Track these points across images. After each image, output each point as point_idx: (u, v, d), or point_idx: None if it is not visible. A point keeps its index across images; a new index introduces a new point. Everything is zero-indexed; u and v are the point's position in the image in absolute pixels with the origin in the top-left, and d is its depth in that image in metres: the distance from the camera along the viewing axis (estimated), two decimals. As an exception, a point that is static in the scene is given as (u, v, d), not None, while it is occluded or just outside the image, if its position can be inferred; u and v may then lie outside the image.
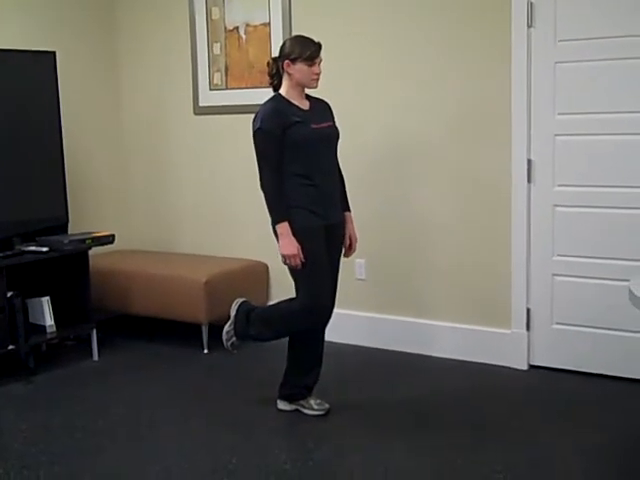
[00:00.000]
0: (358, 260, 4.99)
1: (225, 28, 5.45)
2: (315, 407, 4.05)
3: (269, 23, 5.25)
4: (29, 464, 3.58)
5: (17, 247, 4.75)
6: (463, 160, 4.70)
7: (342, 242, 4.07)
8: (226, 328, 4.09)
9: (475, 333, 4.78)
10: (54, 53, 4.96)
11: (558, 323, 4.57)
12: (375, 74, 4.93)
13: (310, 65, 3.82)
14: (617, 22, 4.18)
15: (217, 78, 5.55)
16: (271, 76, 3.94)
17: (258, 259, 5.41)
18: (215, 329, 5.24)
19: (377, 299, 5.04)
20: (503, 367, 4.67)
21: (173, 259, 5.63)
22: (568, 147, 4.40)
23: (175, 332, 5.46)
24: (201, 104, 5.64)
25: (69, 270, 5.01)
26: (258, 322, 4.02)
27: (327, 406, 4.05)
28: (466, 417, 4.01)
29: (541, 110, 4.44)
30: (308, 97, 3.96)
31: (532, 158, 4.50)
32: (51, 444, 3.79)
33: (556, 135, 4.42)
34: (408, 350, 4.96)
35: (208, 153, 5.67)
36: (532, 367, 4.66)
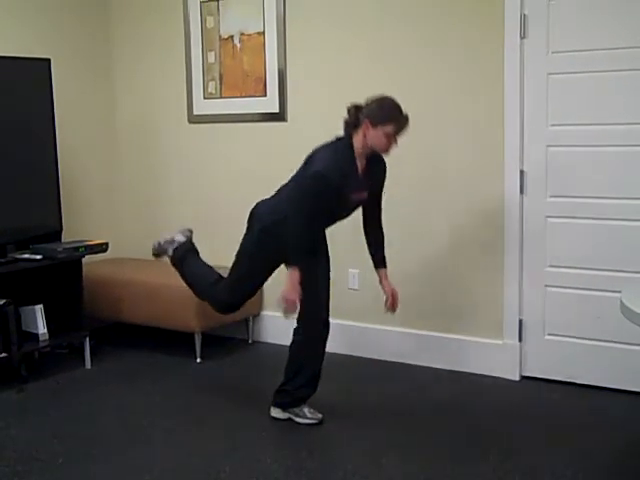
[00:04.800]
0: (351, 270, 5.00)
1: (220, 37, 5.46)
2: (308, 416, 4.05)
3: (264, 32, 5.26)
4: (20, 471, 3.56)
5: (10, 255, 4.74)
6: (456, 171, 4.71)
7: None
8: (169, 242, 4.35)
9: (467, 343, 4.79)
10: (49, 60, 4.97)
11: (550, 334, 4.58)
12: (368, 83, 4.93)
13: (388, 137, 3.72)
14: (610, 34, 4.21)
15: (211, 87, 5.56)
16: (348, 124, 3.79)
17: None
18: (208, 338, 5.25)
19: (370, 309, 5.04)
20: (495, 378, 4.68)
21: (166, 268, 5.59)
22: (561, 158, 4.41)
23: (168, 341, 5.45)
24: (195, 112, 5.65)
25: (62, 278, 5.00)
26: (189, 270, 4.33)
27: (320, 415, 4.05)
28: (458, 428, 4.01)
29: (534, 121, 4.46)
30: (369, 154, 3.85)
31: (525, 169, 4.51)
32: (42, 452, 3.78)
33: (549, 146, 4.44)
34: (401, 360, 4.96)
35: (202, 162, 5.67)
36: (524, 378, 4.66)
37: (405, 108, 4.81)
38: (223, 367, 5.04)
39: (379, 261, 4.13)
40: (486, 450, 3.72)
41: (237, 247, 5.23)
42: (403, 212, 4.87)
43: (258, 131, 5.39)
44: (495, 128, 4.54)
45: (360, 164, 3.81)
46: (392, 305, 4.11)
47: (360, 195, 3.86)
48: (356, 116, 3.76)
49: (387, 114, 3.70)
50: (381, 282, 4.12)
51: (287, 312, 3.82)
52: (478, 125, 4.61)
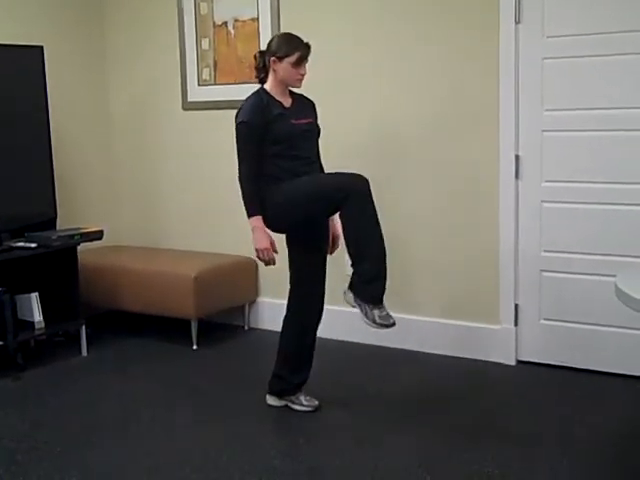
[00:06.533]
0: (347, 256, 4.99)
1: (214, 23, 5.44)
2: (305, 403, 4.06)
3: (257, 18, 5.25)
4: (17, 460, 3.57)
5: (5, 243, 4.74)
6: (451, 156, 4.70)
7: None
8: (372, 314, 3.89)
9: (463, 329, 4.80)
10: (41, 48, 4.94)
11: (546, 319, 4.59)
12: (362, 70, 4.93)
13: (295, 66, 3.82)
14: (605, 18, 4.20)
15: (206, 73, 5.54)
16: (258, 70, 3.95)
17: (247, 255, 5.40)
18: (204, 325, 5.25)
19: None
20: (491, 362, 4.69)
21: (162, 255, 5.62)
22: (556, 143, 4.41)
23: (164, 328, 5.46)
24: (190, 99, 5.63)
25: (58, 266, 5.00)
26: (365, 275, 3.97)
27: (316, 402, 4.06)
28: (455, 413, 4.02)
29: (529, 106, 4.45)
30: (292, 94, 3.96)
31: (520, 154, 4.51)
32: (39, 440, 3.79)
33: (544, 131, 4.44)
34: (397, 346, 4.97)
35: (197, 149, 5.66)
36: (520, 362, 4.68)
37: (399, 94, 4.83)
38: (219, 354, 5.05)
39: None
40: (483, 436, 3.73)
41: (234, 232, 5.27)
42: (397, 198, 4.87)
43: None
44: (490, 113, 4.54)
45: (284, 100, 3.89)
46: (333, 245, 4.16)
47: (305, 120, 3.91)
48: (263, 60, 3.91)
49: (289, 45, 3.82)
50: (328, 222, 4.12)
51: (265, 262, 3.89)
52: (473, 109, 4.60)
